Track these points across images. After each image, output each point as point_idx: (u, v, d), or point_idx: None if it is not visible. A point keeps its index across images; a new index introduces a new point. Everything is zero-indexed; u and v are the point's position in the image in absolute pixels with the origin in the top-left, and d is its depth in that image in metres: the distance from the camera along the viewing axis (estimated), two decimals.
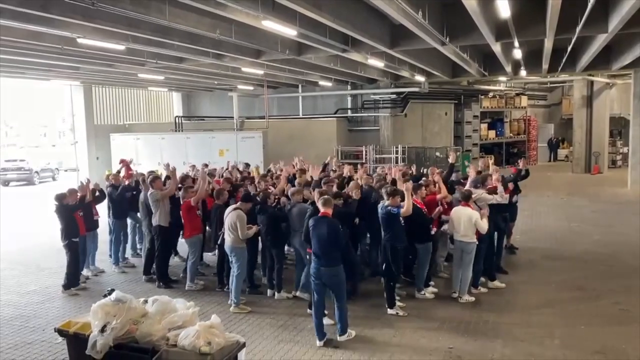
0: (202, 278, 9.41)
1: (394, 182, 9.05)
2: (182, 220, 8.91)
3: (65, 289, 8.91)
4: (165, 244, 9.17)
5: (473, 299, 8.11)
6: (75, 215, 8.85)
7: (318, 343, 6.67)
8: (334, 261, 6.54)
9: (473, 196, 8.19)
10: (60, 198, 8.80)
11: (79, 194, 9.11)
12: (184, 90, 26.20)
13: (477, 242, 7.97)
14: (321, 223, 6.58)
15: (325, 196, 6.89)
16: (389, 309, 7.60)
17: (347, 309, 6.79)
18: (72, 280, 8.97)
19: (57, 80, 20.07)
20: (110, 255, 10.63)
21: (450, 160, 10.22)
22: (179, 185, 9.29)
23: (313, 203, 7.56)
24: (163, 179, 9.80)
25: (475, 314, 7.65)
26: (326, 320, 7.23)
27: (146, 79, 19.75)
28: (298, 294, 8.36)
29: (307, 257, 7.65)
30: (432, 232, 8.09)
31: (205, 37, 11.19)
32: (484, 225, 7.83)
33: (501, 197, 8.53)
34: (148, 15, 8.88)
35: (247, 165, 14.03)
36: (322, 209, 6.69)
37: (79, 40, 10.94)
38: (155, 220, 9.00)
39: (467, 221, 7.84)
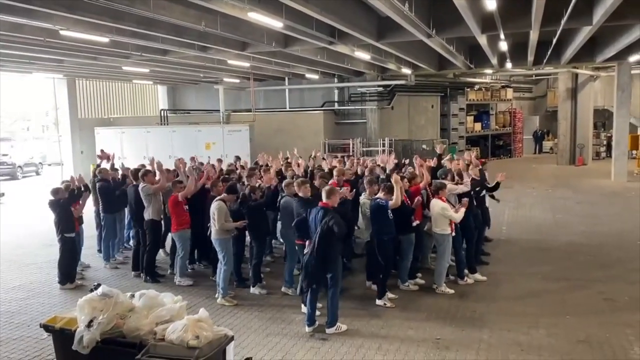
0: (191, 273, 9.40)
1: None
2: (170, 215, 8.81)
3: (62, 285, 8.80)
4: (156, 238, 9.04)
5: (452, 291, 8.12)
6: (73, 208, 8.79)
7: (307, 329, 6.75)
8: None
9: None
10: (55, 193, 8.69)
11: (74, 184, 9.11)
12: (169, 83, 25.97)
13: (451, 234, 8.01)
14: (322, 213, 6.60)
15: (329, 187, 6.97)
16: (377, 300, 7.64)
17: (338, 300, 6.81)
18: (67, 275, 8.86)
19: (40, 73, 19.77)
20: (99, 251, 10.53)
21: (438, 150, 10.24)
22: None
23: (296, 195, 7.56)
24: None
25: (462, 304, 7.71)
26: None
27: (131, 72, 19.54)
28: (282, 289, 8.33)
29: (296, 248, 7.63)
30: (415, 224, 8.07)
31: (190, 29, 11.09)
32: (455, 215, 7.88)
33: (466, 187, 8.55)
34: (132, 7, 8.77)
35: (238, 158, 13.94)
36: (324, 200, 6.72)
37: (62, 33, 10.79)
38: (147, 215, 8.90)
39: (438, 213, 7.92)
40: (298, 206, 7.42)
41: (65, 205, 8.71)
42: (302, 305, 7.46)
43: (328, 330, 6.72)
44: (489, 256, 9.83)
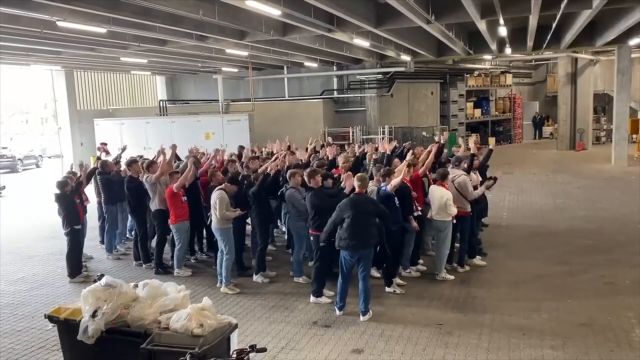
0: (193, 263, 9.45)
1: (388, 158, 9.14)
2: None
3: (72, 278, 8.79)
4: (164, 228, 8.93)
5: (452, 277, 8.16)
6: (74, 201, 8.79)
7: (337, 312, 6.91)
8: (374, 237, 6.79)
9: (450, 176, 8.20)
10: (61, 186, 8.66)
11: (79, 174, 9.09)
12: (167, 74, 25.87)
13: (452, 221, 7.97)
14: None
15: (360, 174, 7.04)
16: (386, 287, 7.67)
17: (370, 286, 6.88)
18: (76, 268, 8.87)
19: (37, 65, 19.68)
20: (101, 242, 10.57)
21: (441, 140, 10.20)
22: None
23: (305, 185, 7.56)
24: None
25: (463, 290, 7.74)
26: (324, 299, 7.34)
27: (129, 63, 19.45)
28: (295, 279, 8.37)
29: (311, 239, 7.63)
30: (417, 214, 8.06)
31: (187, 18, 11.02)
32: (453, 210, 7.84)
33: (479, 193, 8.45)
34: None
35: (242, 147, 13.87)
36: (357, 188, 6.79)
37: (59, 24, 10.71)
38: (153, 205, 8.87)
39: (439, 200, 7.87)
40: (314, 198, 7.34)
41: (71, 197, 8.71)
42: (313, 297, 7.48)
43: (362, 319, 6.73)
44: (486, 242, 9.79)
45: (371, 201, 6.92)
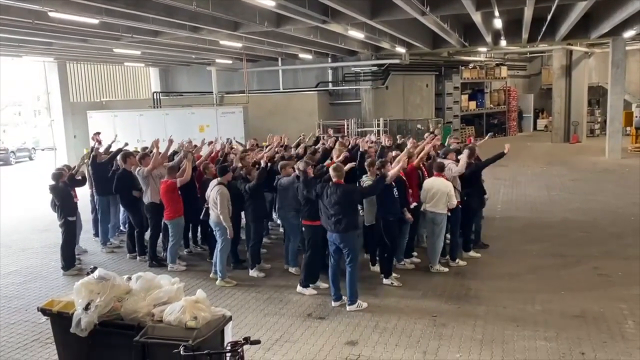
0: (187, 256, 9.44)
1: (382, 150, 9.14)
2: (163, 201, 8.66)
3: (65, 270, 8.75)
4: (157, 221, 8.88)
5: (446, 269, 8.18)
6: (70, 193, 8.76)
7: (333, 304, 6.93)
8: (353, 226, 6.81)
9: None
10: (56, 177, 8.61)
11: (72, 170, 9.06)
12: (161, 65, 25.69)
13: (447, 214, 7.98)
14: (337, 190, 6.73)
15: (336, 164, 7.05)
16: (384, 279, 7.67)
17: (357, 277, 6.88)
18: (71, 260, 8.84)
19: (30, 57, 19.50)
20: (95, 235, 10.53)
21: (435, 133, 10.20)
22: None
23: (299, 176, 7.57)
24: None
25: (457, 282, 7.76)
26: (308, 291, 7.37)
27: (122, 54, 19.30)
28: (287, 268, 8.40)
29: (303, 229, 7.65)
30: (413, 206, 8.05)
31: (181, 9, 10.93)
32: (454, 201, 7.86)
33: (461, 168, 8.30)
34: None
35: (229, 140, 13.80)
36: (334, 179, 6.81)
37: (51, 14, 10.58)
38: (146, 198, 8.82)
39: (440, 192, 7.84)
40: (303, 187, 7.36)
41: (67, 188, 8.66)
42: (300, 287, 7.51)
43: (349, 308, 6.77)
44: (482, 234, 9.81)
45: (344, 194, 6.70)
